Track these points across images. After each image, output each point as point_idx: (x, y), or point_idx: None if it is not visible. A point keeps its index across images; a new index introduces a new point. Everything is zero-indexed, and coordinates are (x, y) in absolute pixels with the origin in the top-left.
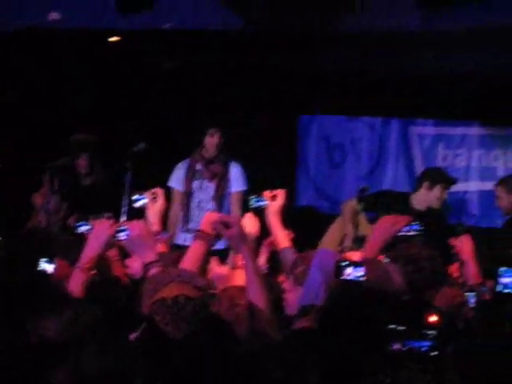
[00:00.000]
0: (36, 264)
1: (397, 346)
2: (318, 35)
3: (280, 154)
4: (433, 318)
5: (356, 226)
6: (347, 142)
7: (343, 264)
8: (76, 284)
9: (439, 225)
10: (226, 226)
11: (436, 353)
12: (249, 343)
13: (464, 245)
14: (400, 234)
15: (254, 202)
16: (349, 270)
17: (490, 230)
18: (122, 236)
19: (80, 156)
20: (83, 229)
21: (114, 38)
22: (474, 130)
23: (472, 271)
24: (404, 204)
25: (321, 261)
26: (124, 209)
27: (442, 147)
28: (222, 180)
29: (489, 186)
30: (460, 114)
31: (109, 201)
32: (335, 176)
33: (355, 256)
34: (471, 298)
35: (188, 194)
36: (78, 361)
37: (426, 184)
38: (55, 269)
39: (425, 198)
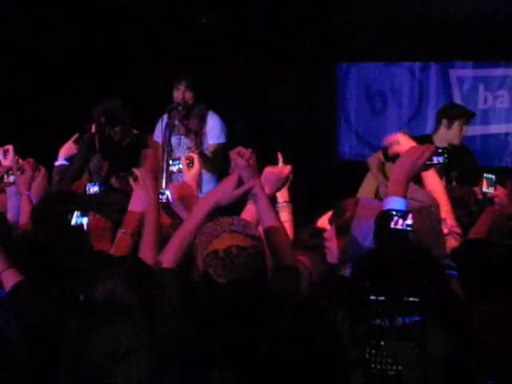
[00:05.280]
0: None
1: (379, 321)
2: None
3: (320, 104)
4: None
5: (385, 175)
6: (387, 88)
7: (392, 213)
8: (121, 248)
9: (464, 161)
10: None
11: (420, 322)
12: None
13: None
14: (426, 164)
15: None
16: (397, 220)
17: None
18: (164, 198)
19: (114, 121)
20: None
21: None
22: None
23: None
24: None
25: (365, 212)
26: (164, 172)
27: (482, 89)
28: (198, 135)
29: None
30: (499, 55)
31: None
32: (377, 123)
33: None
34: None
35: (165, 150)
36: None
37: (444, 122)
38: (88, 223)
39: (445, 135)
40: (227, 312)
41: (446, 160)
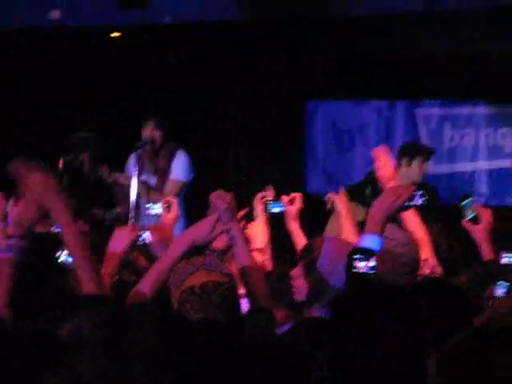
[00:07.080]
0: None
1: None
2: (319, 19)
3: (287, 142)
4: None
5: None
6: (355, 126)
7: (355, 256)
8: None
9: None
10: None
11: None
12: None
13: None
14: (405, 205)
15: (270, 208)
16: (361, 263)
17: (501, 208)
18: (142, 240)
19: (83, 154)
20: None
21: (115, 34)
22: (481, 110)
23: (486, 251)
24: None
25: (331, 250)
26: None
27: (448, 128)
28: (164, 174)
29: (497, 164)
30: (466, 93)
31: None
32: (344, 161)
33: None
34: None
35: (137, 189)
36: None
37: (404, 160)
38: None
39: (406, 174)
40: (200, 352)
41: (426, 202)
